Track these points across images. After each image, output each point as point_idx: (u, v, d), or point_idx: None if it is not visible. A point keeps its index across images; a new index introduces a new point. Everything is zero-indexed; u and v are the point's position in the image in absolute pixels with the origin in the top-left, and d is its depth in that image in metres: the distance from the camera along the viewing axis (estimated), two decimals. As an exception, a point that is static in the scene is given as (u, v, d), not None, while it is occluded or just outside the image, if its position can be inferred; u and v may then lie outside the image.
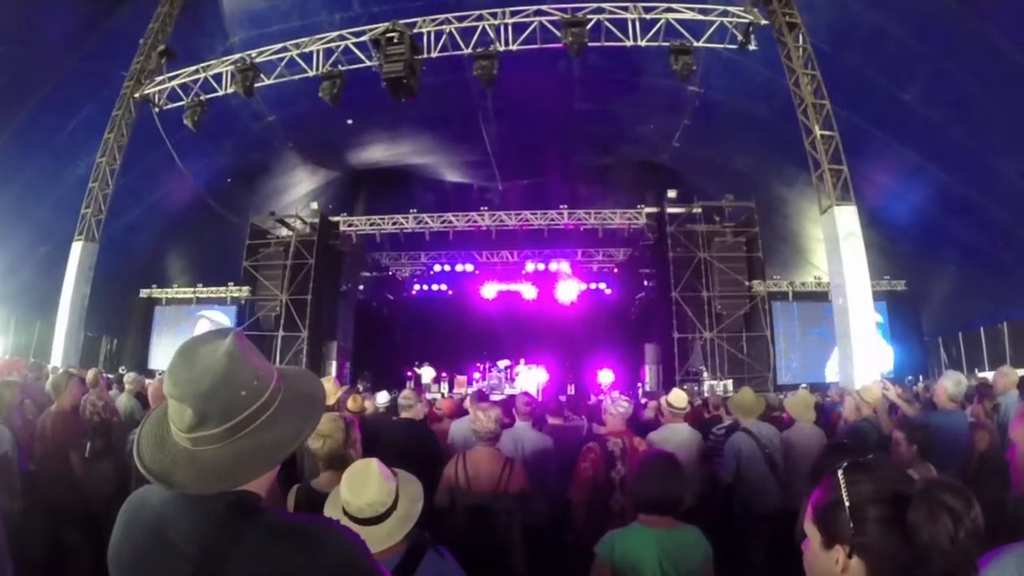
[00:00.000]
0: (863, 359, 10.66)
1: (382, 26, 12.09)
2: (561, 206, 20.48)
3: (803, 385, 13.37)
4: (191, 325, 19.98)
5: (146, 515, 1.33)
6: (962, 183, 13.83)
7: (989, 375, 10.58)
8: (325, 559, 1.28)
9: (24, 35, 12.43)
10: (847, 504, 1.29)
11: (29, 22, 12.48)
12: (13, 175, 13.84)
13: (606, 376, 23.39)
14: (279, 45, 13.33)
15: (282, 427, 1.36)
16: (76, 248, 13.80)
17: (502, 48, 12.33)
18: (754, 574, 5.40)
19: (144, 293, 20.57)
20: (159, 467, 1.28)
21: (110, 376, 9.30)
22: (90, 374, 7.05)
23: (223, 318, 20.45)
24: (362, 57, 12.79)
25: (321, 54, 13.09)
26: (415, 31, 12.29)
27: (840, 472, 1.33)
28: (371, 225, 21.28)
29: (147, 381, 7.83)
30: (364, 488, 2.30)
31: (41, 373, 7.72)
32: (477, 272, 26.17)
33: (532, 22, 12.26)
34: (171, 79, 14.11)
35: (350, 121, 17.94)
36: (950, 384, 5.24)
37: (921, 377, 14.84)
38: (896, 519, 1.25)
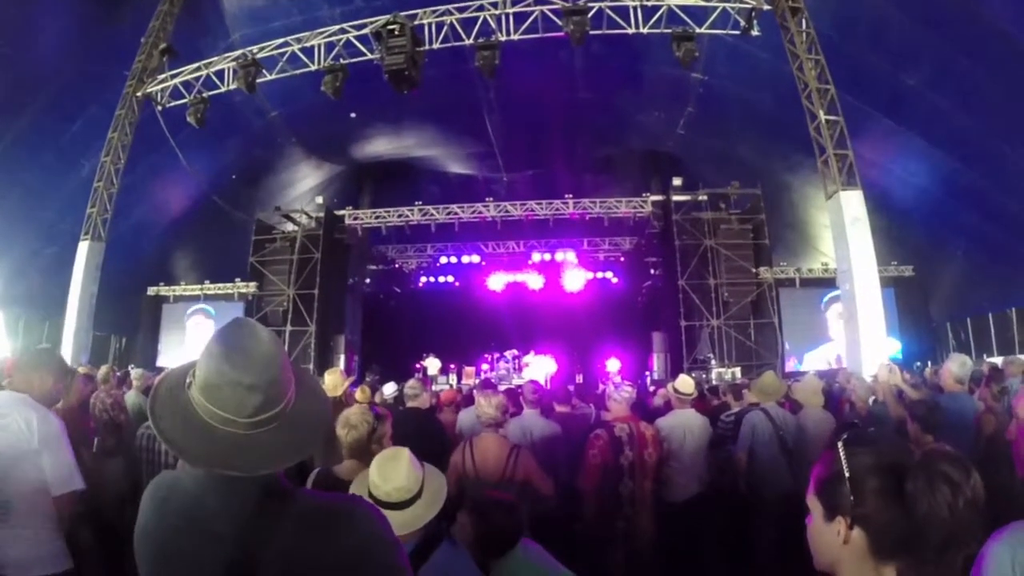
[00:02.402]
0: (870, 344, 10.62)
1: (383, 18, 12.06)
2: (566, 196, 20.47)
3: (811, 371, 13.36)
4: (191, 324, 20.19)
5: (179, 499, 1.37)
6: (969, 168, 13.72)
7: (998, 360, 10.55)
8: (358, 535, 1.36)
9: (23, 37, 12.41)
10: (847, 475, 1.29)
11: (28, 24, 12.45)
12: (18, 177, 13.85)
13: (614, 365, 23.39)
14: (280, 40, 13.30)
15: (311, 400, 1.46)
16: (83, 248, 13.82)
17: (504, 38, 12.28)
18: (761, 557, 5.42)
19: (151, 291, 20.58)
20: (214, 455, 1.31)
21: (119, 373, 9.34)
22: (102, 371, 7.09)
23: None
24: (364, 50, 12.76)
25: (323, 48, 13.06)
26: (416, 23, 12.26)
27: (840, 444, 1.33)
28: (376, 218, 21.30)
29: (158, 378, 7.87)
30: (394, 473, 2.37)
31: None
32: (483, 263, 26.23)
33: (533, 11, 12.18)
34: (173, 77, 14.11)
35: (353, 115, 17.92)
36: (955, 366, 5.23)
37: (930, 363, 14.80)
38: (896, 489, 1.24)
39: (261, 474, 1.33)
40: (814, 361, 17.87)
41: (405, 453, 2.44)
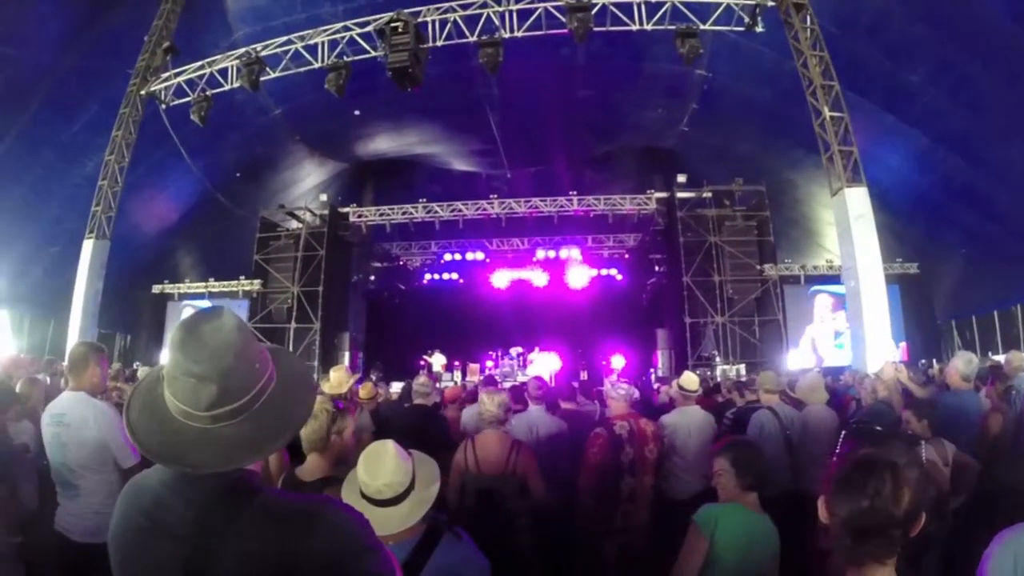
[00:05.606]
0: (875, 342, 10.59)
1: (386, 16, 12.04)
2: (570, 192, 20.43)
3: (815, 368, 13.35)
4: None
5: (144, 498, 1.33)
6: (972, 165, 13.70)
7: (1002, 358, 10.53)
8: (321, 538, 1.28)
9: (24, 35, 12.43)
10: None
11: (28, 22, 12.47)
12: (21, 175, 13.92)
13: (618, 362, 23.37)
14: (284, 38, 13.31)
15: (290, 392, 1.39)
16: (87, 246, 13.85)
17: (507, 35, 12.27)
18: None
19: (156, 289, 20.67)
20: (169, 449, 1.27)
21: (127, 371, 9.37)
22: (111, 370, 7.11)
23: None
24: (367, 48, 12.76)
25: (326, 46, 13.05)
26: (419, 20, 12.24)
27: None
28: (381, 215, 21.27)
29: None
30: (381, 469, 2.28)
31: (53, 369, 7.78)
32: (488, 260, 26.15)
33: (537, 8, 12.18)
34: (177, 75, 14.14)
35: (357, 112, 17.94)
36: (961, 364, 5.21)
37: (935, 361, 14.79)
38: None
39: (223, 471, 1.28)
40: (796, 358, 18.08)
41: (390, 445, 2.35)
